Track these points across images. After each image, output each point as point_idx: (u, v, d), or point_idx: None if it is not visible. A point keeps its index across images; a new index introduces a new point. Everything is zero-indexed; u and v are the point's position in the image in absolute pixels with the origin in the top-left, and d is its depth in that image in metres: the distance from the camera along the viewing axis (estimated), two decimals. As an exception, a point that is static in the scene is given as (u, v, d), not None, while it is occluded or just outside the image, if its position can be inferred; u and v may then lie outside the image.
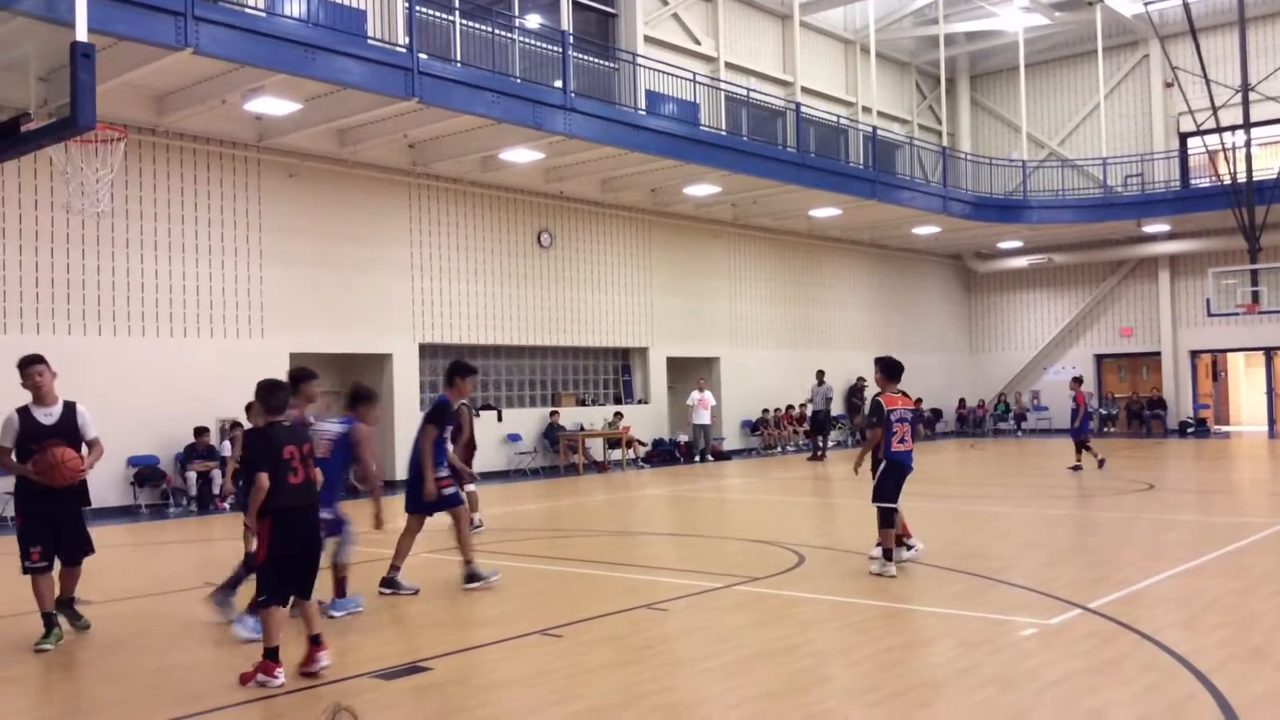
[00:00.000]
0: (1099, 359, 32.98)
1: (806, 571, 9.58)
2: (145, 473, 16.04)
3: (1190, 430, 29.79)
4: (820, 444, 24.34)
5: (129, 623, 8.14)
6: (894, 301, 31.95)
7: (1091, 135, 30.94)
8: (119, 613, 8.53)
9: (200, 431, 16.41)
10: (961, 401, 33.22)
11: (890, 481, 9.27)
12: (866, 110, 28.97)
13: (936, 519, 12.76)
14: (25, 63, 6.44)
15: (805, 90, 27.61)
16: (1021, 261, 33.09)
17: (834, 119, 27.36)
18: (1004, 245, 32.47)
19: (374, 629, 7.76)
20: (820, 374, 25.30)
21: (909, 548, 9.79)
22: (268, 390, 6.50)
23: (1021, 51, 29.96)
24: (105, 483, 15.63)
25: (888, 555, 9.18)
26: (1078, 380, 20.58)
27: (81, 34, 5.48)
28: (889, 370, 9.60)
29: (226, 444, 16.10)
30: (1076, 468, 19.29)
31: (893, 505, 9.23)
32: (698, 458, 23.94)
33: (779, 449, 26.52)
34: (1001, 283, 34.41)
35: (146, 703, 5.93)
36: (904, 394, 9.69)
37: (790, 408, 27.22)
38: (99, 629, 7.80)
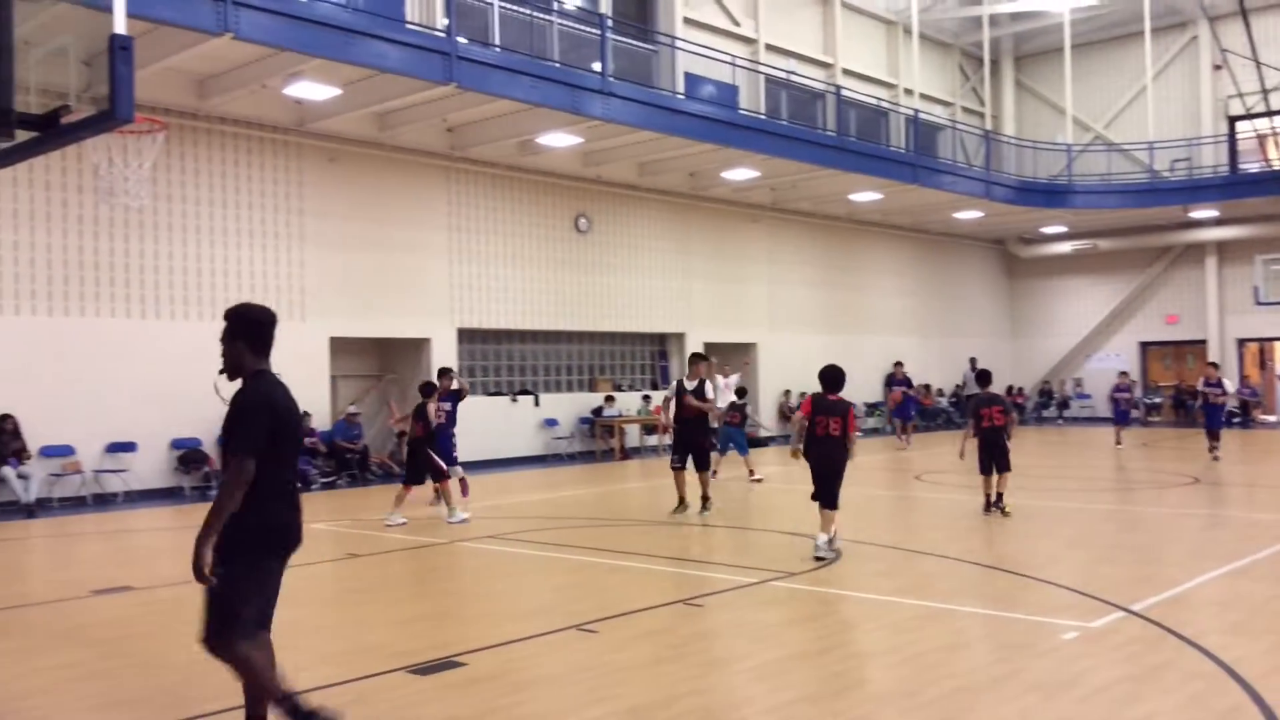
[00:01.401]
0: (1144, 346, 32.48)
1: (843, 567, 9.49)
2: (189, 455, 16.23)
3: (1235, 420, 29.26)
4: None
5: (169, 610, 8.20)
6: (934, 286, 31.60)
7: (1138, 119, 30.35)
8: (160, 599, 8.61)
9: None
10: (1009, 389, 32.66)
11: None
12: (908, 92, 28.57)
13: (976, 513, 12.62)
14: (66, 49, 6.43)
15: (846, 72, 27.29)
16: (1065, 247, 32.59)
17: (875, 101, 27.03)
18: (1047, 230, 32.00)
19: (406, 622, 7.77)
20: (973, 360, 29.85)
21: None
22: None
23: (1067, 32, 29.38)
24: (150, 465, 15.87)
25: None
26: (1214, 366, 20.61)
27: (120, 25, 5.43)
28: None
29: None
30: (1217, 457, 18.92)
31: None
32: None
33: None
34: (1045, 268, 33.93)
35: (183, 695, 5.95)
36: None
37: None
38: (139, 616, 7.86)
